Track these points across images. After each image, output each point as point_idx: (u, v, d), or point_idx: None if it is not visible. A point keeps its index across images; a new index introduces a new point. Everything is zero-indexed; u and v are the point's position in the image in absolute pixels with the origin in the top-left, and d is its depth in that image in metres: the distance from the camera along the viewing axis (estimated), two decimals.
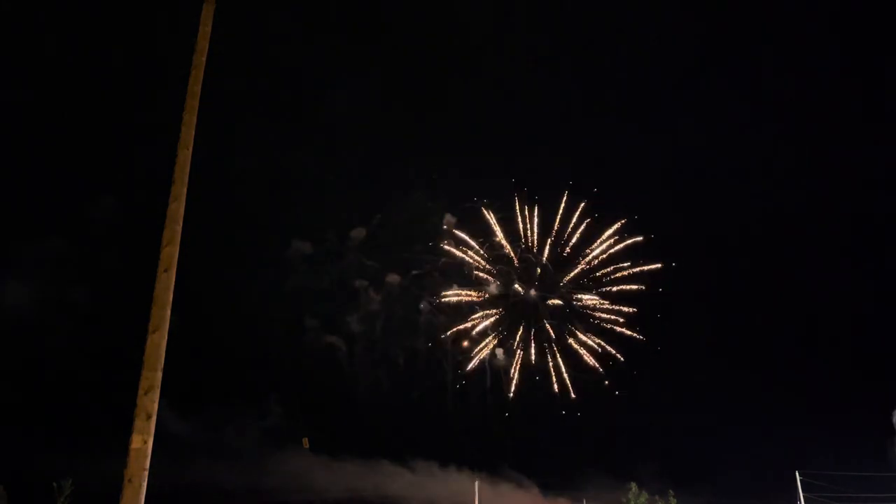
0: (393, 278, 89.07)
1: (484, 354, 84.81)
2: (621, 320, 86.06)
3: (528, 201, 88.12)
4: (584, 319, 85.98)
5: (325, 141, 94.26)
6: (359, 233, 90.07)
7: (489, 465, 77.70)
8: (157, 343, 9.91)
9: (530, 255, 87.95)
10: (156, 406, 9.66)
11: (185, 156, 11.30)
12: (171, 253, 10.57)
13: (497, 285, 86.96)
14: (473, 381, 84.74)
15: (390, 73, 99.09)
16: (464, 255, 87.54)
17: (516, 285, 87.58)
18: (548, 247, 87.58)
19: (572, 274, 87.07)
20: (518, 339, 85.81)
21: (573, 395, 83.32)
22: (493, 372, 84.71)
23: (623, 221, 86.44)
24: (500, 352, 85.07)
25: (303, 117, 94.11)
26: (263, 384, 78.04)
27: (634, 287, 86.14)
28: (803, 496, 57.72)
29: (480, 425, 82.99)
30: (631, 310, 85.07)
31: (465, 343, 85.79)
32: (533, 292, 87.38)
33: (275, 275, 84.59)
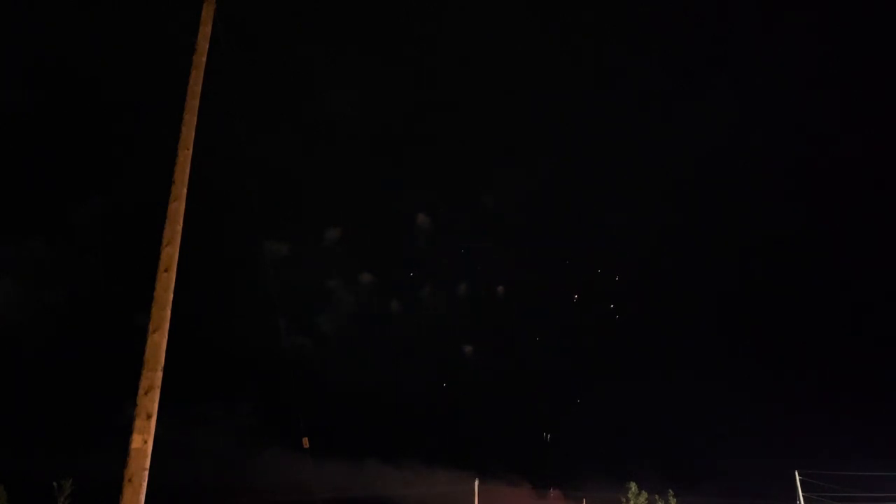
0: (366, 277, 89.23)
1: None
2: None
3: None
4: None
5: (307, 140, 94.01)
6: (334, 232, 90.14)
7: (478, 463, 78.06)
8: (158, 343, 9.95)
9: None
10: (156, 406, 9.71)
11: (185, 156, 11.34)
12: (171, 253, 10.61)
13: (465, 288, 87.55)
14: (453, 379, 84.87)
15: (380, 76, 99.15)
16: None
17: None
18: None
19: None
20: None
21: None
22: (468, 369, 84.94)
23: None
24: (468, 350, 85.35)
25: (289, 117, 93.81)
26: (235, 384, 77.41)
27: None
28: (803, 496, 57.72)
29: (466, 423, 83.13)
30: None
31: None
32: (501, 289, 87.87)
33: (249, 274, 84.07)
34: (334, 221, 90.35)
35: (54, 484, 50.55)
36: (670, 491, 66.51)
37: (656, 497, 67.10)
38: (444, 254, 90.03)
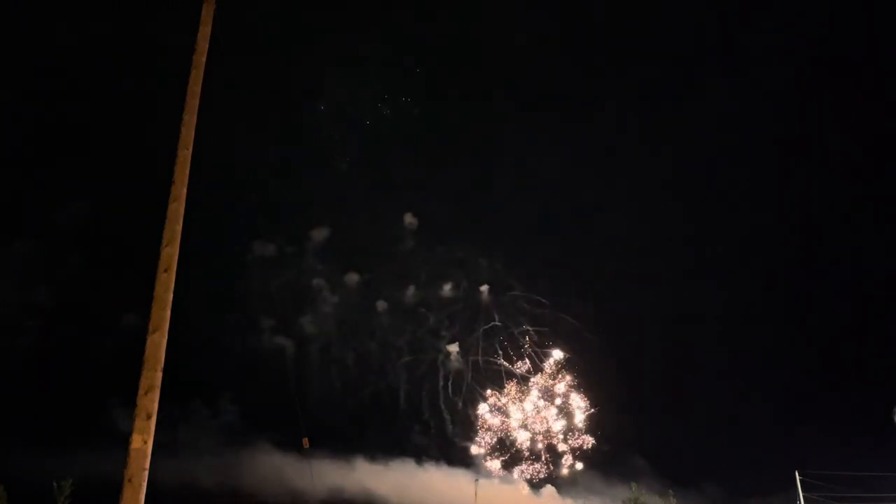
0: (352, 277, 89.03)
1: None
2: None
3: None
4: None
5: (294, 140, 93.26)
6: (320, 233, 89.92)
7: (468, 461, 78.23)
8: (157, 343, 9.93)
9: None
10: (156, 406, 9.69)
11: (184, 156, 11.34)
12: (170, 253, 10.60)
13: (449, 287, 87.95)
14: (435, 380, 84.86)
15: (370, 75, 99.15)
16: None
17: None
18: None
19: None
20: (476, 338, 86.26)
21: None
22: (449, 371, 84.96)
23: None
24: (453, 350, 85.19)
25: (280, 115, 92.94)
26: (216, 384, 76.35)
27: None
28: (803, 496, 57.72)
29: (456, 422, 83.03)
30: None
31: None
32: (485, 287, 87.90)
33: (232, 274, 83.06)
34: (321, 221, 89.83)
35: (54, 484, 50.51)
36: (670, 491, 66.44)
37: (656, 497, 67.07)
38: (429, 253, 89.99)
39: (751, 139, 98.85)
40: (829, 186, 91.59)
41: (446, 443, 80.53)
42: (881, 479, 58.61)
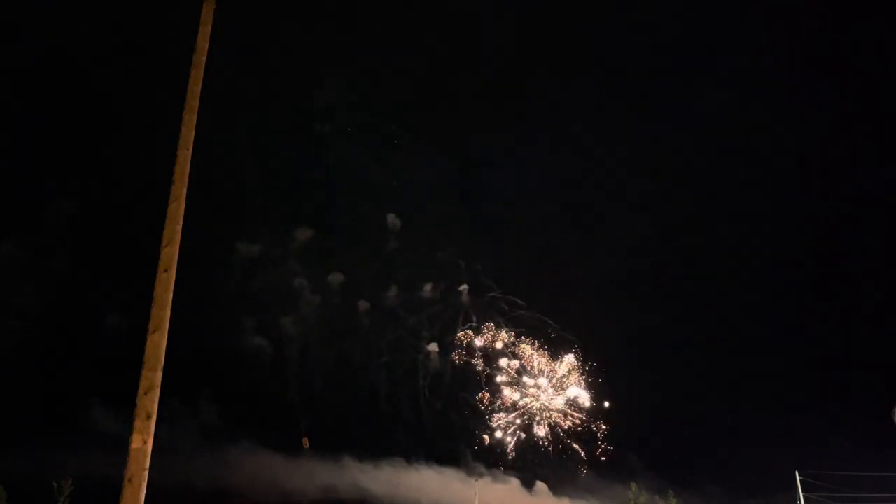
0: (334, 278, 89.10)
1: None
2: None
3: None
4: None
5: (282, 139, 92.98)
6: (304, 233, 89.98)
7: (460, 460, 78.29)
8: (157, 343, 9.92)
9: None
10: (156, 406, 9.67)
11: (184, 156, 11.31)
12: (171, 253, 10.58)
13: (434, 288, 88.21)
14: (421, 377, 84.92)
15: (361, 75, 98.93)
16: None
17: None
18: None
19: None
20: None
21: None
22: (429, 371, 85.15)
23: None
24: (433, 349, 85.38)
25: (270, 115, 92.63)
26: (196, 383, 75.80)
27: None
28: (803, 496, 57.69)
29: (443, 421, 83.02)
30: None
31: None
32: (464, 288, 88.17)
33: (215, 274, 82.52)
34: (304, 222, 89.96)
35: (54, 484, 50.58)
36: (670, 491, 66.45)
37: (656, 497, 67.08)
38: (411, 254, 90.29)
39: (747, 139, 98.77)
40: (828, 187, 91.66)
41: (431, 442, 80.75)
42: (881, 479, 58.58)
